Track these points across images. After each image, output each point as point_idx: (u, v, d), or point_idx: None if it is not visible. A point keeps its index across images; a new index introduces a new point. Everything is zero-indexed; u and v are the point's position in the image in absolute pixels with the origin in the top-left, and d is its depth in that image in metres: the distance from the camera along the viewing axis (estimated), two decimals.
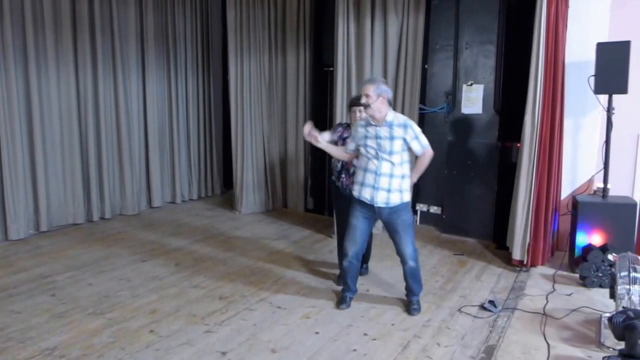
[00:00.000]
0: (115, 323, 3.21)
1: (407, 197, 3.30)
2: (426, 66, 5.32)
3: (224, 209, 6.40)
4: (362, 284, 3.87)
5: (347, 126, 3.79)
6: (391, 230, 3.34)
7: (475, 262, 4.48)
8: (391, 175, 3.21)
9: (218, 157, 7.27)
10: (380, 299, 3.64)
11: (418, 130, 3.24)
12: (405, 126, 3.21)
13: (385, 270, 4.18)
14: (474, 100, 5.02)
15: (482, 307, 3.49)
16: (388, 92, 3.25)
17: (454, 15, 5.11)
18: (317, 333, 3.11)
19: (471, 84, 5.03)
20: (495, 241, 4.93)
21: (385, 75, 5.19)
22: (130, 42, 5.90)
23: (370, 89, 3.17)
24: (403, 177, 3.26)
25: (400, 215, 3.28)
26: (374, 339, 3.04)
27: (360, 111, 3.48)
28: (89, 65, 5.47)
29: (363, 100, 3.19)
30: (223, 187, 7.37)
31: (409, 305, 3.45)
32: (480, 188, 5.08)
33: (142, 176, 6.26)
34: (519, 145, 4.35)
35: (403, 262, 3.38)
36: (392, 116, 3.24)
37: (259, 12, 5.97)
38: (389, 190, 3.23)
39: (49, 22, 5.06)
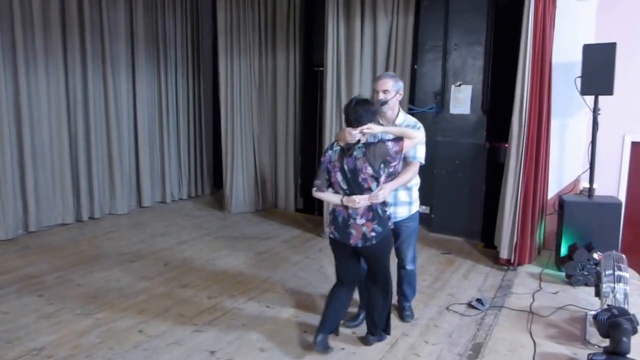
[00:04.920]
0: (104, 323, 3.19)
1: (416, 207, 3.15)
2: (415, 67, 5.36)
3: (214, 208, 6.40)
4: None
5: None
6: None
7: (463, 261, 4.52)
8: (395, 189, 2.91)
9: (208, 156, 7.27)
10: None
11: (422, 137, 2.88)
12: (412, 127, 2.89)
13: None
14: (462, 100, 5.07)
15: (470, 305, 3.53)
16: (403, 89, 3.00)
17: (443, 16, 5.15)
18: (305, 332, 3.12)
19: (460, 85, 5.07)
20: (483, 240, 4.98)
21: (374, 76, 5.20)
22: (120, 43, 5.87)
23: (390, 84, 2.88)
24: (409, 188, 3.06)
25: (408, 223, 3.13)
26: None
27: None
28: (79, 66, 5.43)
29: (381, 96, 2.88)
30: (213, 186, 7.36)
31: (402, 311, 3.34)
32: (468, 188, 5.12)
33: (131, 176, 6.23)
34: (506, 145, 4.40)
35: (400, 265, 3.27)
36: (403, 117, 2.97)
37: (249, 13, 5.97)
38: (394, 204, 3.01)
39: (38, 23, 5.02)
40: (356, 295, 3.15)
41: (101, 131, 5.78)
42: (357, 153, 2.63)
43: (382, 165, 2.63)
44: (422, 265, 4.38)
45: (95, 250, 4.65)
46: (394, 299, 3.21)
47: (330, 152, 2.75)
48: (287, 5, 5.95)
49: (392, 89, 2.89)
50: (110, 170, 5.89)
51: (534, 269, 4.24)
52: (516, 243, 4.22)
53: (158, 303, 3.52)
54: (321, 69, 5.55)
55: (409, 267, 3.25)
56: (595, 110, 4.11)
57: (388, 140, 2.68)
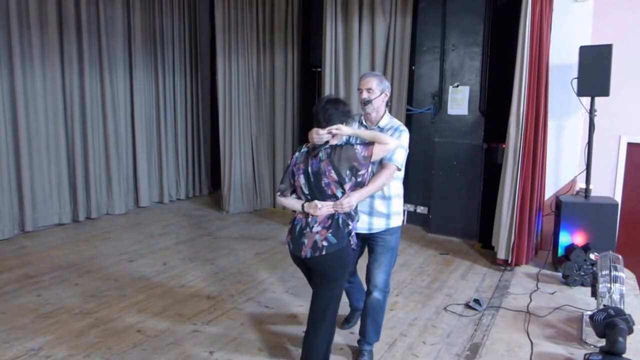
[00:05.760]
0: (102, 323, 3.19)
1: (396, 221, 2.77)
2: (413, 67, 5.38)
3: (212, 208, 6.39)
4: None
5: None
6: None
7: (460, 261, 4.54)
8: (371, 197, 2.64)
9: (206, 157, 7.26)
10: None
11: (404, 142, 2.66)
12: (395, 130, 2.68)
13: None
14: (460, 101, 5.09)
15: (468, 305, 3.55)
16: (390, 90, 2.80)
17: (441, 17, 5.17)
18: (304, 332, 3.12)
19: (457, 86, 5.09)
20: (481, 241, 5.00)
21: None
22: (117, 42, 5.86)
23: (374, 83, 2.67)
24: (389, 198, 2.73)
25: (385, 236, 2.76)
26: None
27: None
28: (75, 65, 5.42)
29: (364, 95, 2.67)
30: (211, 187, 7.36)
31: (358, 355, 2.81)
32: (466, 188, 5.14)
33: (129, 176, 6.22)
34: (504, 146, 4.42)
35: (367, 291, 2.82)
36: (387, 120, 2.74)
37: (247, 12, 5.98)
38: (370, 214, 2.72)
39: (34, 21, 5.01)
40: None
41: (98, 130, 5.77)
42: (321, 155, 2.40)
43: (348, 172, 2.37)
44: (420, 266, 4.40)
45: (93, 250, 4.64)
46: (355, 337, 2.97)
47: (297, 153, 2.53)
48: (285, 6, 5.95)
49: (377, 89, 2.67)
50: (107, 170, 5.88)
51: (531, 269, 4.26)
52: (513, 243, 4.24)
53: (157, 303, 3.51)
54: (319, 69, 5.57)
55: (376, 294, 2.76)
56: (592, 112, 4.13)
57: (357, 143, 2.45)
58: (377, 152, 2.43)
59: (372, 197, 2.64)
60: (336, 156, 2.38)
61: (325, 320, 2.49)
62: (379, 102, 2.70)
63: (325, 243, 2.38)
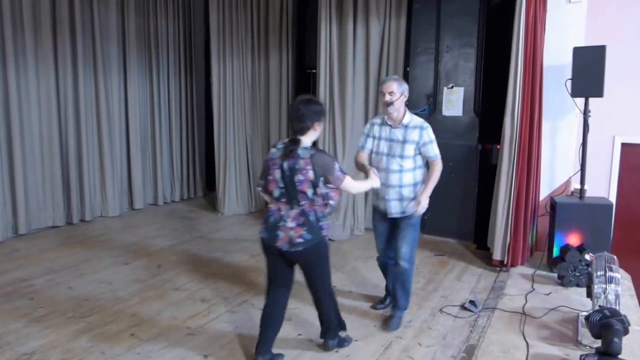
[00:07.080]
0: (96, 327, 3.17)
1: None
2: (408, 69, 5.37)
3: (207, 210, 6.37)
4: (344, 284, 3.90)
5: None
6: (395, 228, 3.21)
7: (456, 262, 4.53)
8: (400, 186, 3.08)
9: (200, 158, 7.24)
10: (364, 300, 3.66)
11: (433, 136, 3.11)
12: (421, 128, 3.07)
13: (370, 271, 4.20)
14: (454, 102, 5.09)
15: (463, 307, 3.54)
16: (408, 91, 3.15)
17: (435, 18, 5.17)
18: (299, 335, 3.11)
19: (452, 87, 5.10)
20: (476, 242, 4.99)
21: (367, 78, 5.23)
22: (111, 44, 5.83)
23: (394, 86, 3.04)
24: (415, 185, 3.12)
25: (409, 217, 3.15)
26: (356, 340, 3.06)
27: None
28: (69, 67, 5.39)
29: (387, 98, 3.03)
30: (205, 188, 7.33)
31: (388, 319, 3.25)
32: (461, 189, 5.14)
33: (123, 178, 6.19)
34: (498, 147, 4.42)
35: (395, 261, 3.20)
36: (409, 118, 3.11)
37: (242, 14, 5.96)
38: (400, 200, 3.11)
39: (28, 23, 4.97)
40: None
41: (92, 133, 5.74)
42: (302, 153, 2.52)
43: (322, 179, 2.53)
44: (416, 267, 4.37)
45: (87, 252, 4.61)
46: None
47: (274, 149, 2.65)
48: (279, 7, 5.94)
49: (397, 91, 3.04)
50: (101, 172, 5.85)
51: (527, 270, 4.26)
52: (509, 244, 4.24)
53: (150, 306, 3.49)
54: (314, 71, 5.55)
55: (402, 262, 3.15)
56: (586, 112, 4.14)
57: (336, 162, 2.59)
58: (347, 183, 2.62)
59: (400, 186, 3.09)
60: (317, 160, 2.53)
61: (324, 292, 2.82)
62: (399, 104, 3.07)
63: (300, 240, 2.56)
